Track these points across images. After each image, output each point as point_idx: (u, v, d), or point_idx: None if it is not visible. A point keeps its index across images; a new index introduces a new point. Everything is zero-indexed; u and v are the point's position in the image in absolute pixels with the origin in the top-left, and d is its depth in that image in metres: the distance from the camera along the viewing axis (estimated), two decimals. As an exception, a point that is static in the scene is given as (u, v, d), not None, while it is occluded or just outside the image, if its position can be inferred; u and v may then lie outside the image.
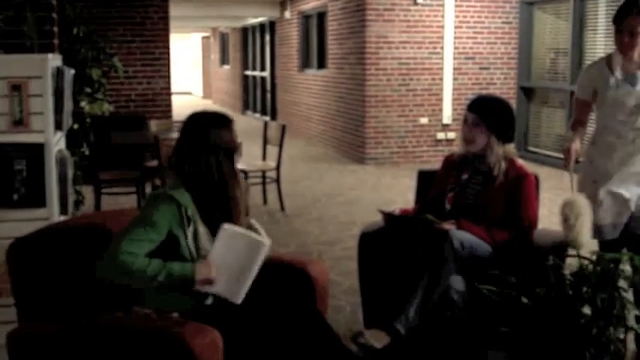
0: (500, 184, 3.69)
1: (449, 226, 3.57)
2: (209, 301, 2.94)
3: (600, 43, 9.68)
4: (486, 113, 3.74)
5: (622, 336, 2.88)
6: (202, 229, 2.91)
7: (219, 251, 2.86)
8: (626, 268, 2.96)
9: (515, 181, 3.70)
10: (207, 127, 2.94)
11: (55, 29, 4.91)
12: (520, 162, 3.82)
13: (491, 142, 3.72)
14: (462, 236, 3.49)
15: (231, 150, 2.96)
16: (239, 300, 2.88)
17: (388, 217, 3.76)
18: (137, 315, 2.83)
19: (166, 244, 2.83)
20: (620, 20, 3.62)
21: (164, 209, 2.81)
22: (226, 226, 2.85)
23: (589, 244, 3.33)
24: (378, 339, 3.29)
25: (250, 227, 3.03)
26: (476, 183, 3.76)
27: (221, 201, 2.95)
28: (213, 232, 2.92)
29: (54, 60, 3.99)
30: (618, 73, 3.69)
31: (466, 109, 3.83)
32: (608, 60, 3.77)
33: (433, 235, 3.51)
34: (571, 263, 3.13)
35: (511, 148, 3.79)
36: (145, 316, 2.81)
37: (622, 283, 2.92)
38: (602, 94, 3.76)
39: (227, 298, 2.87)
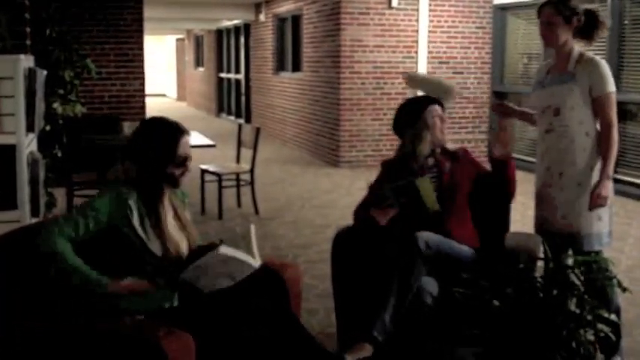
0: (451, 170, 3.77)
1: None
2: (175, 302, 2.94)
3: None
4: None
5: (592, 338, 2.92)
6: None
7: (207, 262, 2.85)
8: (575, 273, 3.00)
9: (462, 160, 3.81)
10: (176, 139, 2.99)
11: (28, 30, 4.88)
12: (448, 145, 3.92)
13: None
14: (427, 237, 3.49)
15: (186, 159, 3.02)
16: (206, 290, 2.89)
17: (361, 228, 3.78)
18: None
19: (108, 236, 2.87)
20: (538, 12, 3.67)
21: (106, 198, 2.88)
22: (222, 250, 2.83)
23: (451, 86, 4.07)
24: (359, 354, 3.28)
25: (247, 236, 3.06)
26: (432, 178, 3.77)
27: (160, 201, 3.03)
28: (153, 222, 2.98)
29: (26, 61, 3.96)
30: (542, 75, 3.77)
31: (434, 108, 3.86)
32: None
33: (400, 237, 3.52)
34: (542, 266, 3.16)
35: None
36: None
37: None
38: None
39: (195, 285, 2.88)
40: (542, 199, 3.77)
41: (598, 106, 3.54)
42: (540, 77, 3.78)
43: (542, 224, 3.76)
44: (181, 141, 2.99)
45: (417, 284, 3.40)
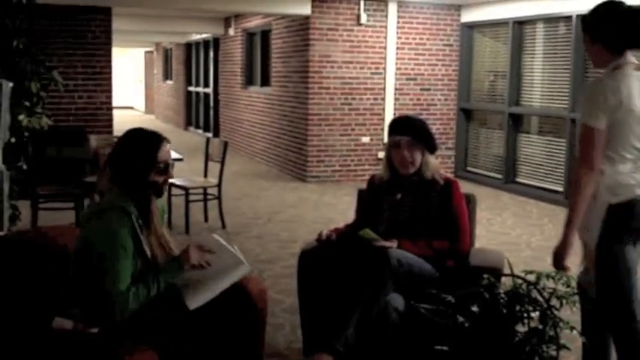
0: (433, 196, 3.78)
1: (390, 243, 3.61)
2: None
3: (538, 66, 9.93)
4: (416, 132, 3.82)
5: (554, 354, 2.95)
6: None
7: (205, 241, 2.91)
8: (559, 287, 3.04)
9: (445, 190, 3.82)
10: (156, 146, 3.01)
11: (-6, 41, 4.84)
12: (442, 172, 3.94)
13: (426, 157, 3.81)
14: (401, 255, 3.53)
15: (167, 166, 3.05)
16: (192, 306, 2.90)
17: (326, 244, 3.81)
18: (58, 325, 2.82)
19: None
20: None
21: (123, 225, 2.87)
22: (216, 236, 2.88)
23: None
24: None
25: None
26: (410, 201, 3.81)
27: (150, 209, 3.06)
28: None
29: (-8, 73, 3.93)
30: None
31: (394, 134, 3.85)
32: None
33: (373, 252, 3.55)
34: (505, 282, 3.19)
35: (434, 158, 3.89)
36: (65, 329, 2.81)
37: (554, 302, 2.99)
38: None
39: (183, 297, 2.89)
40: None
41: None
42: None
43: None
44: (161, 147, 3.02)
45: (384, 300, 3.42)
